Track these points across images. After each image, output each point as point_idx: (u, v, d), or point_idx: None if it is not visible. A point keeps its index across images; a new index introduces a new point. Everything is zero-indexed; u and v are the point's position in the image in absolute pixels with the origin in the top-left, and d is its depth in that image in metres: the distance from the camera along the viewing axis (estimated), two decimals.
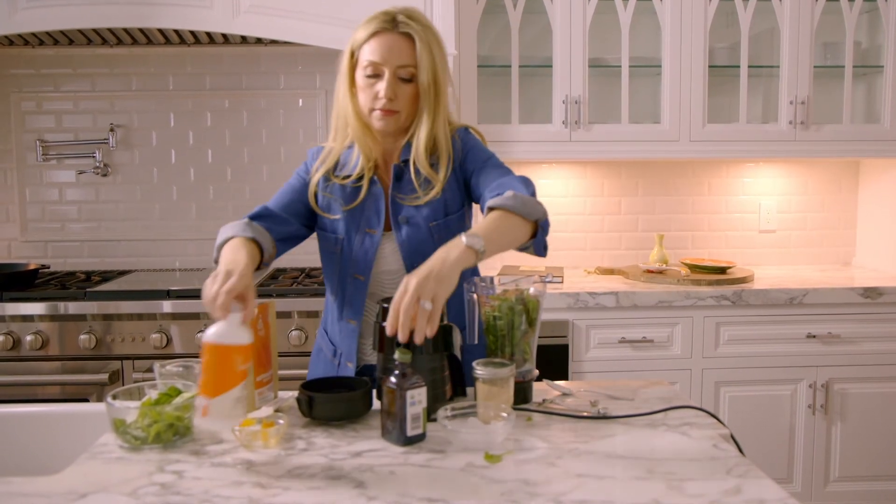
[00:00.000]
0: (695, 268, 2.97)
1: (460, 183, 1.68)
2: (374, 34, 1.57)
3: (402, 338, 1.27)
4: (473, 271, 1.66)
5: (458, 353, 1.46)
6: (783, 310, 2.73)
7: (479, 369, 1.39)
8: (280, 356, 2.35)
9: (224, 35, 2.84)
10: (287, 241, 1.68)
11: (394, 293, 1.30)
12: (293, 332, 2.57)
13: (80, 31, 2.84)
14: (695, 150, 2.95)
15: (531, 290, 1.49)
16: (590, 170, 3.25)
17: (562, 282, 2.85)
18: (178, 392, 1.33)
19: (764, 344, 2.74)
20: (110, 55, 3.12)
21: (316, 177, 1.69)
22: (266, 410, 1.36)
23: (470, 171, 1.67)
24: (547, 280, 2.77)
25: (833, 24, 2.99)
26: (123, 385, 2.20)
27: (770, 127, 2.97)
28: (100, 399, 2.50)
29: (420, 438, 1.30)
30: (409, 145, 1.65)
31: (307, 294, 2.60)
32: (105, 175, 3.15)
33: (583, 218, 3.26)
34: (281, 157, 3.20)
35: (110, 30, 2.79)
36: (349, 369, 1.69)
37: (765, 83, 3.12)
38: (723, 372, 2.74)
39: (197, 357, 1.34)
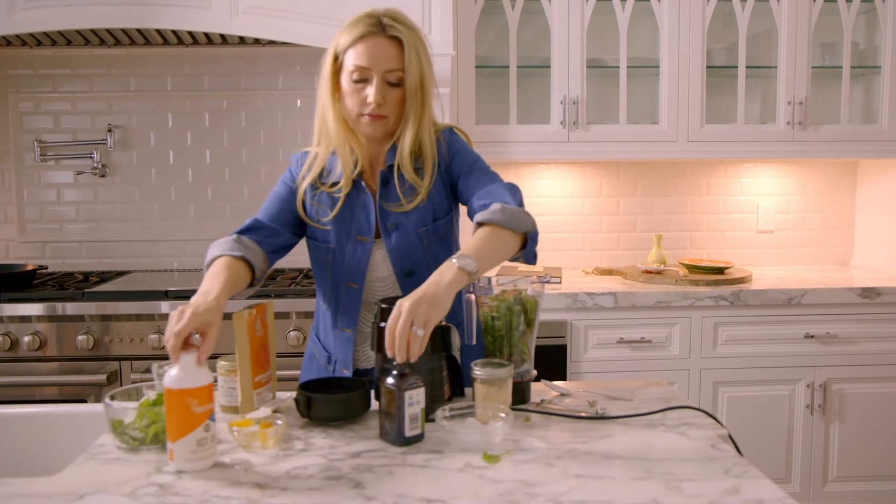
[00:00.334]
0: (693, 268, 2.97)
1: (447, 186, 1.66)
2: (360, 38, 1.54)
3: (399, 360, 1.28)
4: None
5: (456, 353, 1.46)
6: (781, 310, 2.73)
7: (478, 370, 1.39)
8: (278, 357, 2.35)
9: (222, 36, 2.84)
10: (278, 252, 1.67)
11: (388, 297, 1.30)
12: (291, 333, 2.57)
13: (79, 32, 2.84)
14: (693, 151, 2.95)
15: (529, 291, 1.49)
16: (588, 170, 3.26)
17: (560, 282, 2.85)
18: None
19: (762, 344, 2.75)
20: (108, 56, 3.11)
21: (303, 186, 1.66)
22: (264, 411, 1.36)
23: (456, 175, 1.64)
24: (545, 280, 2.77)
25: (831, 25, 2.99)
26: (121, 386, 2.20)
27: (768, 127, 2.97)
28: (98, 400, 2.50)
29: (418, 439, 1.30)
30: (394, 149, 1.62)
31: (305, 295, 2.59)
32: (103, 176, 3.15)
33: (581, 218, 3.26)
34: (279, 157, 3.19)
35: (108, 30, 2.79)
36: (345, 376, 1.69)
37: (763, 84, 3.12)
38: (721, 372, 2.74)
39: None
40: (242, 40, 2.94)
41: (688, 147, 2.94)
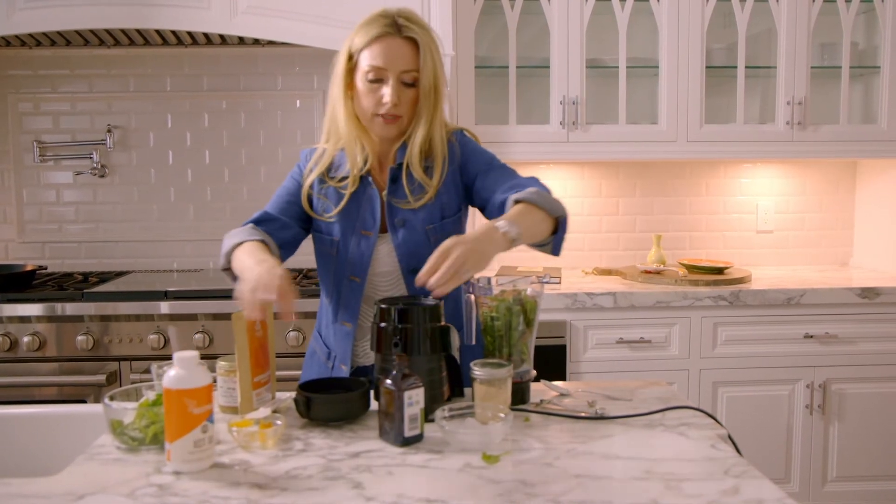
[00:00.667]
0: (692, 268, 2.97)
1: (458, 187, 1.67)
2: (376, 38, 1.55)
3: (438, 291, 1.32)
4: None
5: (455, 353, 1.46)
6: (781, 310, 2.74)
7: (477, 370, 1.39)
8: (278, 357, 2.35)
9: (221, 36, 2.84)
10: (288, 247, 1.68)
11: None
12: (291, 333, 2.57)
13: (78, 32, 2.84)
14: (692, 151, 2.95)
15: (529, 291, 1.49)
16: (587, 170, 3.26)
17: (559, 282, 2.85)
18: None
19: (761, 344, 2.75)
20: (108, 56, 3.11)
21: (310, 179, 1.68)
22: (264, 411, 1.36)
23: (473, 175, 1.66)
24: (544, 281, 2.77)
25: (830, 25, 2.99)
26: (121, 386, 2.19)
27: (767, 127, 2.97)
28: (97, 400, 2.49)
29: (418, 439, 1.30)
30: (404, 147, 1.64)
31: (305, 295, 2.59)
32: (102, 176, 3.15)
33: (581, 219, 3.26)
34: (279, 157, 3.19)
35: (108, 31, 2.78)
36: (343, 372, 1.69)
37: (762, 84, 3.12)
38: (720, 372, 2.74)
39: None
40: (242, 41, 2.94)
41: (687, 147, 2.94)
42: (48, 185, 3.16)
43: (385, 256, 1.66)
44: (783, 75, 2.93)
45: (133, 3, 2.61)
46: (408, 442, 1.29)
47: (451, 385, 1.46)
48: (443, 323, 1.43)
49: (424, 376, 1.36)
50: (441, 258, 1.32)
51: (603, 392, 1.57)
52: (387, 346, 1.40)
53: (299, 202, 1.69)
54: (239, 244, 1.55)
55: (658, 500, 1.08)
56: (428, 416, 1.35)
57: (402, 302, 1.45)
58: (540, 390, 1.58)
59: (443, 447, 1.28)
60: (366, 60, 1.56)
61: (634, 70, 2.99)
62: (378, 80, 1.56)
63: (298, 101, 3.18)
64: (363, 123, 1.62)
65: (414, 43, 1.56)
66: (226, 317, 2.52)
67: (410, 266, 1.63)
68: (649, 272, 2.93)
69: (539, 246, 1.54)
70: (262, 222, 1.65)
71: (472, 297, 1.50)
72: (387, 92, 1.55)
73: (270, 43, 2.98)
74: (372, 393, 1.45)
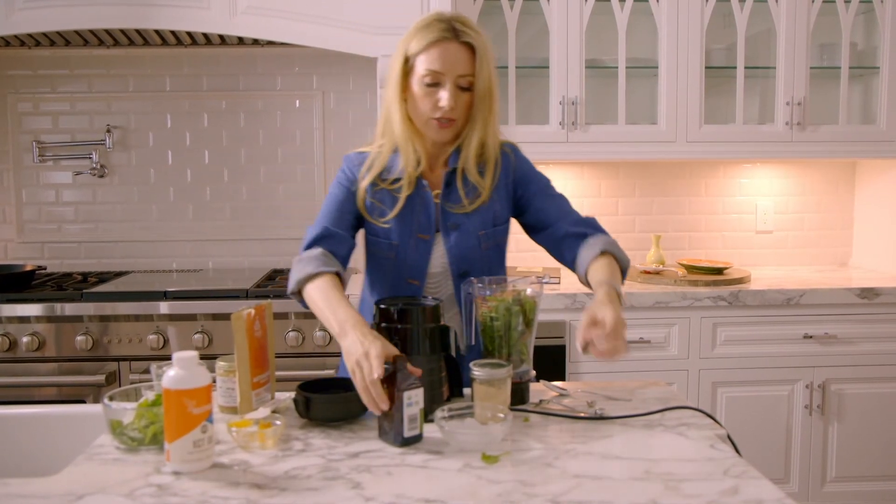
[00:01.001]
0: (692, 268, 2.97)
1: (510, 198, 1.70)
2: (433, 43, 1.56)
3: (609, 357, 1.37)
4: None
5: (455, 354, 1.46)
6: (780, 310, 2.74)
7: (477, 370, 1.39)
8: (277, 357, 2.35)
9: (221, 36, 2.84)
10: (346, 262, 1.67)
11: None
12: (290, 334, 2.57)
13: (77, 33, 2.84)
14: (692, 151, 2.95)
15: (528, 291, 1.49)
16: (587, 171, 3.26)
17: (559, 282, 2.85)
18: None
19: (761, 344, 2.75)
20: (107, 56, 3.11)
21: (363, 184, 1.66)
22: (263, 411, 1.36)
23: (531, 194, 1.70)
24: (544, 281, 2.77)
25: (829, 25, 2.99)
26: (120, 386, 2.19)
27: (767, 128, 2.97)
28: (96, 400, 2.49)
29: (417, 439, 1.30)
30: (457, 152, 1.65)
31: None
32: (102, 176, 3.15)
33: None
34: (278, 158, 3.20)
35: (107, 31, 2.78)
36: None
37: (761, 84, 3.12)
38: (720, 372, 2.74)
39: None
40: (241, 41, 2.94)
41: (686, 147, 2.94)
42: (47, 185, 3.16)
43: (437, 258, 1.67)
44: (782, 76, 2.93)
45: (133, 3, 2.61)
46: (407, 442, 1.29)
47: (450, 385, 1.46)
48: (443, 323, 1.43)
49: (424, 377, 1.36)
50: (595, 327, 1.36)
51: (602, 392, 1.57)
52: None
53: (352, 210, 1.68)
54: (312, 276, 1.53)
55: (657, 500, 1.08)
56: (428, 416, 1.35)
57: (402, 302, 1.45)
58: (539, 390, 1.58)
59: (442, 447, 1.28)
60: (423, 65, 1.57)
61: (634, 70, 2.99)
62: (435, 84, 1.57)
63: (298, 102, 3.18)
64: (417, 126, 1.63)
65: (470, 48, 1.57)
66: (225, 317, 2.52)
67: (461, 270, 1.65)
68: (648, 272, 2.93)
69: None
70: (324, 239, 1.63)
71: (472, 297, 1.50)
72: (444, 96, 1.57)
73: (270, 43, 2.98)
74: None
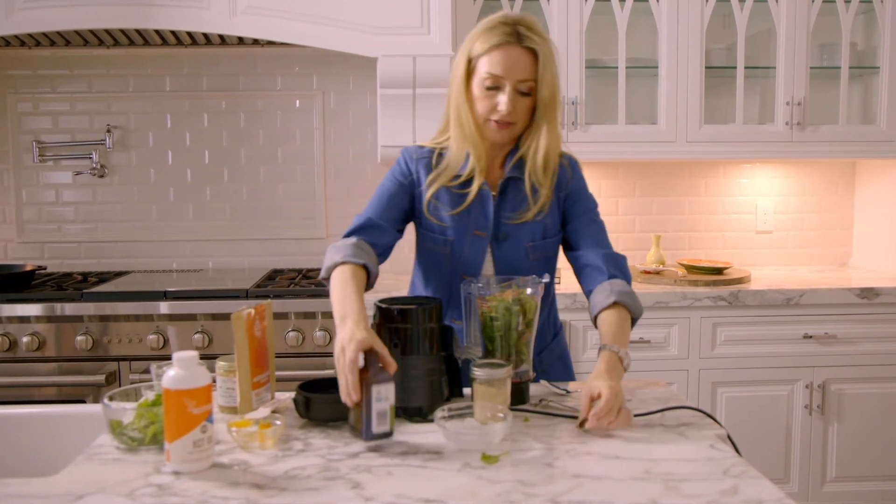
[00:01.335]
0: (692, 268, 2.97)
1: (560, 209, 1.71)
2: (496, 46, 1.56)
3: (602, 428, 1.34)
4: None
5: (455, 353, 1.46)
6: (780, 310, 2.74)
7: (477, 370, 1.39)
8: (277, 357, 2.35)
9: (221, 36, 2.84)
10: (385, 253, 1.68)
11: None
12: (290, 334, 2.57)
13: (77, 33, 2.84)
14: (692, 151, 2.95)
15: (528, 291, 1.49)
16: (587, 171, 3.20)
17: (559, 282, 2.84)
18: None
19: (761, 344, 2.75)
20: (107, 56, 3.11)
21: (432, 189, 1.67)
22: (263, 411, 1.36)
23: (575, 213, 1.71)
24: (544, 281, 2.77)
25: (829, 25, 2.99)
26: (120, 386, 2.19)
27: (767, 128, 2.97)
28: (96, 400, 2.49)
29: (386, 436, 1.29)
30: (516, 160, 1.66)
31: (304, 295, 2.59)
32: (102, 176, 3.15)
33: None
34: (278, 158, 3.19)
35: (107, 31, 2.78)
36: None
37: (761, 84, 3.13)
38: (720, 372, 2.74)
39: None
40: (241, 41, 2.94)
41: (686, 147, 2.94)
42: (47, 185, 3.16)
43: (488, 260, 1.69)
44: (782, 76, 2.93)
45: (133, 3, 2.61)
46: (374, 437, 1.27)
47: (450, 385, 1.46)
48: (443, 323, 1.43)
49: (424, 376, 1.36)
50: (604, 406, 1.34)
51: None
52: (386, 346, 1.40)
53: (402, 205, 1.69)
54: (339, 264, 1.54)
55: (657, 501, 1.08)
56: (428, 416, 1.34)
57: (402, 302, 1.45)
58: (539, 390, 1.58)
59: (442, 447, 1.28)
60: (484, 67, 1.57)
61: (634, 70, 2.99)
62: (494, 88, 1.58)
63: (298, 102, 3.18)
64: (478, 126, 1.63)
65: (533, 53, 1.57)
66: (225, 317, 2.52)
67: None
68: (648, 272, 2.93)
69: None
70: (365, 229, 1.64)
71: (472, 297, 1.50)
72: (503, 100, 1.57)
73: (270, 43, 2.98)
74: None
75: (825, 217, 3.35)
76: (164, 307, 2.55)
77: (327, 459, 1.23)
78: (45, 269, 2.98)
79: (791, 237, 3.35)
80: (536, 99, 1.60)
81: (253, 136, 3.19)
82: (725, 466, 1.19)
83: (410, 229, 1.77)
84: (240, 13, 2.64)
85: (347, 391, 1.28)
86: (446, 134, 1.69)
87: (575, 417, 1.41)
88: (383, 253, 1.66)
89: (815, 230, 3.35)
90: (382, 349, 1.32)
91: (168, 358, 1.32)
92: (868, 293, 2.75)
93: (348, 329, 1.34)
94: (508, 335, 1.47)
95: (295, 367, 2.54)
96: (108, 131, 3.12)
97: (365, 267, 1.56)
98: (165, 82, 3.15)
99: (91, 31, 2.82)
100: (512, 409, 1.41)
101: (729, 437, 1.35)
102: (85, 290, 2.62)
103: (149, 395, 1.33)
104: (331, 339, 2.57)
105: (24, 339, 2.51)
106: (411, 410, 1.40)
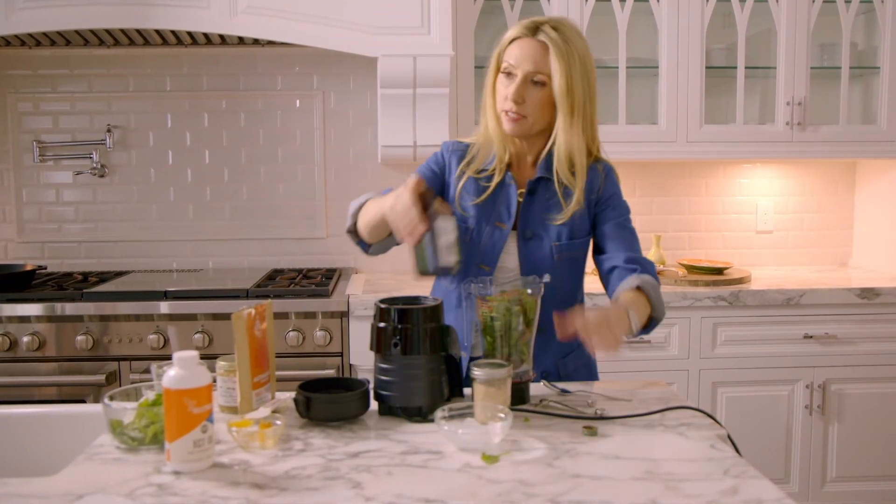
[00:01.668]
0: (692, 268, 2.97)
1: (591, 213, 1.72)
2: (513, 39, 1.63)
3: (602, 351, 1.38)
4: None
5: (455, 353, 1.46)
6: (780, 310, 2.74)
7: (477, 370, 1.39)
8: (277, 357, 2.35)
9: (221, 36, 2.84)
10: None
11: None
12: (290, 333, 2.57)
13: (77, 32, 2.84)
14: (692, 151, 2.95)
15: (528, 291, 1.49)
16: None
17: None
18: None
19: (761, 344, 2.75)
20: (107, 56, 3.11)
21: (463, 180, 1.70)
22: (263, 411, 1.36)
23: (606, 218, 1.71)
24: (544, 281, 2.77)
25: (830, 25, 2.99)
26: (120, 386, 2.19)
27: (767, 128, 2.97)
28: (97, 400, 2.49)
29: (451, 270, 1.38)
30: (546, 161, 1.68)
31: (304, 295, 2.59)
32: (102, 176, 3.15)
33: None
34: (278, 157, 3.19)
35: (107, 30, 2.78)
36: (463, 358, 1.69)
37: (762, 84, 3.13)
38: (720, 372, 2.74)
39: None
40: (241, 40, 2.94)
41: (687, 147, 2.94)
42: (48, 184, 3.16)
43: (512, 253, 1.70)
44: (783, 76, 2.93)
45: (133, 3, 2.61)
46: (442, 271, 1.35)
47: (450, 385, 1.46)
48: (443, 323, 1.43)
49: (424, 376, 1.36)
50: (601, 323, 1.37)
51: (602, 392, 1.57)
52: (386, 346, 1.40)
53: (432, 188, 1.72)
54: (363, 203, 1.62)
55: (657, 500, 1.08)
56: (428, 416, 1.34)
57: (402, 302, 1.45)
58: (540, 390, 1.58)
59: (442, 447, 1.28)
60: (503, 60, 1.63)
61: (634, 70, 2.99)
62: (509, 79, 1.62)
63: (298, 101, 3.18)
64: (496, 119, 1.67)
65: (546, 46, 1.59)
66: (225, 317, 2.52)
67: (529, 275, 1.66)
68: None
69: None
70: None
71: (472, 296, 1.50)
72: (511, 89, 1.60)
73: (270, 43, 2.98)
74: (371, 393, 1.45)
75: (825, 217, 3.35)
76: (164, 307, 2.55)
77: (327, 459, 1.23)
78: (45, 268, 2.98)
79: (791, 237, 3.35)
80: (555, 94, 1.61)
81: (253, 135, 3.19)
82: (726, 466, 1.19)
83: None
84: (240, 13, 2.64)
85: (411, 228, 1.35)
86: (479, 128, 1.74)
87: (575, 418, 1.42)
88: None
89: (816, 230, 3.35)
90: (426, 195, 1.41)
91: (168, 358, 1.32)
92: (868, 293, 2.75)
93: (397, 190, 1.43)
94: (509, 335, 1.47)
95: (295, 367, 2.54)
96: (109, 131, 3.12)
97: None
98: (166, 82, 3.15)
99: (91, 31, 2.82)
100: (512, 409, 1.41)
101: (729, 437, 1.35)
102: (85, 290, 2.62)
103: (149, 395, 1.33)
104: (331, 339, 2.57)
105: (25, 339, 2.51)
106: (411, 410, 1.40)
